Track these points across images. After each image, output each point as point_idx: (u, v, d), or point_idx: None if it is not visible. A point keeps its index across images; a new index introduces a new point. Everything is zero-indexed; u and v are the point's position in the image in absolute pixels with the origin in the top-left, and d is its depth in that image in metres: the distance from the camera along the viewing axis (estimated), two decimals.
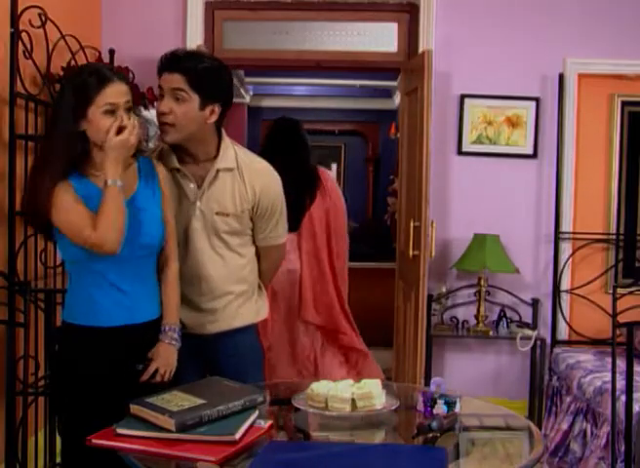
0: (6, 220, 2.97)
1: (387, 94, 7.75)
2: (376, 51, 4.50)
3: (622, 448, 2.97)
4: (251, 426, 1.83)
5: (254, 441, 1.79)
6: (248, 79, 7.14)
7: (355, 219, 7.91)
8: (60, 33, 3.34)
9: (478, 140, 4.34)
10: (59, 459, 3.34)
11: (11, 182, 2.92)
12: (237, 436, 1.74)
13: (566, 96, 4.26)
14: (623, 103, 4.31)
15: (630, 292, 3.20)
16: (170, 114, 2.24)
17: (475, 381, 4.32)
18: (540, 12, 4.29)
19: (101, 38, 4.22)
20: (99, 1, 4.26)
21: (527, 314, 4.32)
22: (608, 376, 3.20)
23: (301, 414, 2.03)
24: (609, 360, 3.40)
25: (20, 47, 3.00)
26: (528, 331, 4.17)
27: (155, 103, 3.77)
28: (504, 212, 4.33)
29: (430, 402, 2.02)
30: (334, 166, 8.28)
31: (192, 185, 2.34)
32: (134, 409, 1.85)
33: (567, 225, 4.30)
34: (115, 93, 2.04)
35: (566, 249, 4.31)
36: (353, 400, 1.98)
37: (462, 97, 4.30)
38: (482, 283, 4.19)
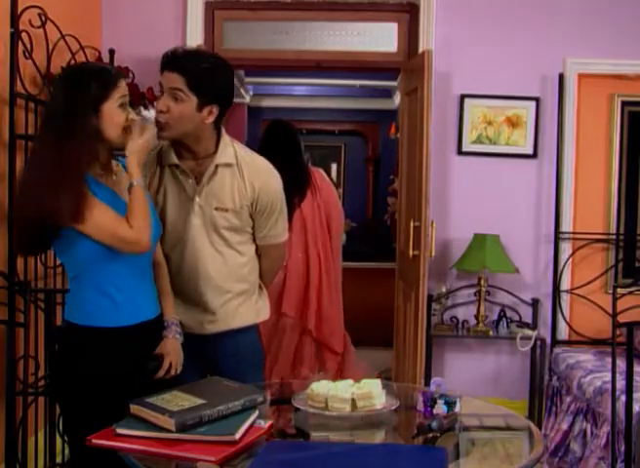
0: (6, 220, 2.97)
1: (387, 94, 7.76)
2: (376, 51, 4.50)
3: (622, 448, 2.97)
4: (251, 426, 1.83)
5: (254, 441, 1.79)
6: (248, 79, 7.14)
7: (355, 219, 7.92)
8: (60, 33, 3.34)
9: (478, 140, 4.34)
10: (59, 459, 3.34)
11: (11, 182, 2.92)
12: (237, 436, 1.74)
13: (566, 96, 4.27)
14: (623, 103, 4.31)
15: (630, 292, 3.20)
16: (167, 113, 2.24)
17: (475, 381, 4.32)
18: (540, 12, 4.29)
19: (101, 38, 4.22)
20: (99, 1, 4.26)
21: (527, 314, 4.32)
22: (608, 376, 3.20)
23: (301, 414, 2.03)
24: (609, 360, 3.40)
25: (20, 47, 3.00)
26: (528, 332, 4.17)
27: (155, 103, 3.80)
28: (504, 212, 4.33)
29: (430, 402, 2.02)
30: (334, 166, 8.29)
31: (191, 181, 2.34)
32: (134, 409, 1.85)
33: (567, 225, 4.30)
34: (125, 87, 2.08)
35: (566, 249, 4.31)
36: (353, 400, 1.98)
37: (462, 97, 4.31)
38: (482, 283, 4.19)
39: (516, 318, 4.32)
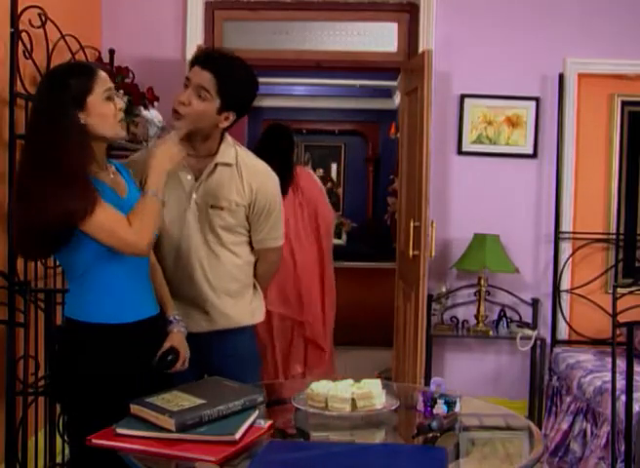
0: (6, 220, 2.97)
1: (387, 94, 7.76)
2: (376, 51, 4.50)
3: (622, 448, 2.97)
4: (251, 426, 1.83)
5: (254, 441, 1.79)
6: None
7: (355, 219, 7.93)
8: (60, 33, 3.34)
9: (478, 140, 4.34)
10: (59, 459, 3.34)
11: (11, 182, 2.92)
12: (237, 436, 1.74)
13: (566, 95, 4.27)
14: (623, 103, 4.31)
15: (630, 292, 3.20)
16: (188, 106, 2.26)
17: (475, 381, 4.32)
18: (540, 12, 4.29)
19: (101, 38, 4.22)
20: (99, 1, 4.26)
21: (527, 314, 4.32)
22: (608, 376, 3.20)
23: (301, 414, 2.03)
24: (609, 360, 3.40)
25: (20, 47, 3.00)
26: (528, 331, 4.17)
27: (156, 104, 3.80)
28: (504, 212, 4.33)
29: (430, 402, 2.02)
30: (334, 166, 8.29)
31: (189, 177, 2.35)
32: (134, 408, 1.85)
33: (567, 225, 4.30)
34: (107, 77, 2.06)
35: (566, 249, 4.31)
36: (353, 400, 1.98)
37: (462, 96, 4.31)
38: (482, 283, 4.19)
39: (516, 318, 4.32)
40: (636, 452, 2.91)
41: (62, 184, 1.91)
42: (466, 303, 4.37)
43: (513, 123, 4.32)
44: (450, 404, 2.00)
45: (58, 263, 3.28)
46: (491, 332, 4.19)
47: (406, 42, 4.45)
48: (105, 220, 1.96)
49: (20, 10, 2.95)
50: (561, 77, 4.26)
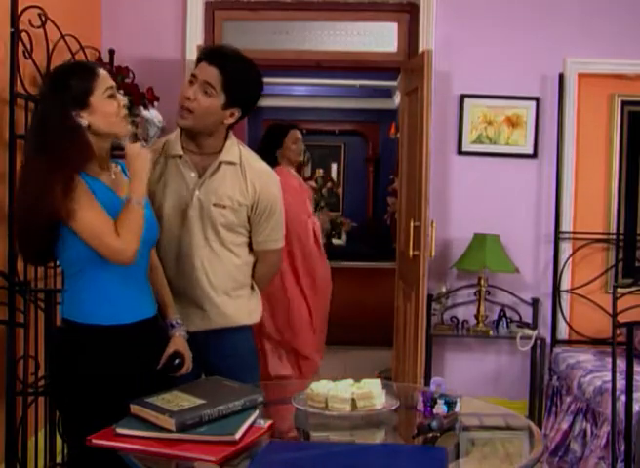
0: (6, 220, 2.97)
1: (387, 93, 7.76)
2: (376, 51, 4.50)
3: (622, 448, 2.97)
4: (251, 426, 1.83)
5: (254, 441, 1.79)
6: None
7: (355, 219, 7.93)
8: (60, 33, 3.34)
9: (478, 140, 4.34)
10: (59, 459, 3.34)
11: (11, 182, 2.92)
12: (237, 436, 1.74)
13: (566, 95, 4.27)
14: (623, 103, 4.31)
15: (630, 292, 3.20)
16: (193, 102, 2.28)
17: (475, 381, 4.32)
18: (540, 12, 4.29)
19: (101, 38, 4.22)
20: (99, 1, 4.26)
21: (527, 314, 4.32)
22: (608, 376, 3.20)
23: (301, 414, 2.03)
24: (609, 360, 3.40)
25: (20, 47, 3.00)
26: (528, 331, 4.17)
27: (156, 104, 3.80)
28: (504, 212, 4.33)
29: (430, 402, 2.02)
30: (334, 166, 8.29)
31: (193, 174, 2.36)
32: (134, 408, 1.85)
33: (567, 225, 4.30)
34: (107, 76, 2.07)
35: (566, 249, 4.31)
36: (353, 400, 1.98)
37: (462, 96, 4.30)
38: (482, 283, 4.19)
39: (516, 318, 4.32)
40: (636, 452, 2.91)
41: (47, 181, 1.92)
42: (466, 303, 4.37)
43: (513, 123, 4.32)
44: (450, 404, 2.00)
45: (58, 263, 3.28)
46: (491, 332, 4.19)
47: (406, 42, 4.45)
48: (95, 222, 1.96)
49: (20, 10, 2.95)
50: (561, 77, 4.26)
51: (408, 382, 3.93)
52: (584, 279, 4.29)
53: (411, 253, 3.97)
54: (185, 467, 1.71)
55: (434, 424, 1.87)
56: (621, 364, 3.06)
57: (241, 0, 4.42)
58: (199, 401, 1.86)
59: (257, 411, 1.90)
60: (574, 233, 4.31)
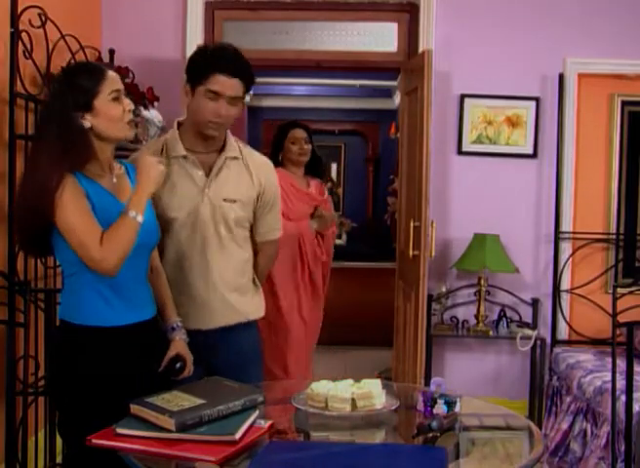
0: (6, 220, 2.97)
1: (387, 93, 7.75)
2: (376, 51, 4.50)
3: (622, 448, 2.97)
4: (251, 426, 1.83)
5: (254, 441, 1.79)
6: None
7: (355, 219, 7.91)
8: (60, 33, 3.33)
9: (478, 140, 4.34)
10: (59, 459, 3.33)
11: (11, 182, 2.92)
12: (237, 436, 1.74)
13: (566, 95, 4.27)
14: (623, 103, 4.31)
15: (630, 292, 3.20)
16: (226, 116, 2.32)
17: (475, 381, 4.32)
18: (541, 12, 4.29)
19: (101, 38, 4.22)
20: (99, 1, 4.26)
21: (527, 314, 4.32)
22: (608, 376, 3.20)
23: (301, 414, 2.03)
24: (609, 360, 3.40)
25: (20, 47, 3.00)
26: (528, 331, 4.17)
27: (156, 104, 3.80)
28: (504, 212, 4.33)
29: (430, 402, 2.02)
30: (334, 166, 8.29)
31: (200, 173, 2.38)
32: (134, 408, 1.85)
33: (567, 225, 4.30)
34: (116, 78, 2.06)
35: (566, 249, 4.31)
36: (353, 400, 1.98)
37: (462, 96, 4.31)
38: (482, 283, 4.19)
39: (516, 318, 4.32)
40: (636, 452, 2.91)
41: (47, 180, 1.93)
42: (466, 303, 4.37)
43: (513, 123, 4.32)
44: (450, 404, 2.00)
45: (58, 263, 3.28)
46: (491, 332, 4.19)
47: (406, 42, 4.45)
48: (79, 227, 1.94)
49: (20, 10, 2.95)
50: (561, 77, 4.26)
51: (408, 382, 3.94)
52: (584, 279, 4.29)
53: (411, 253, 3.97)
54: (186, 467, 1.71)
55: (434, 424, 1.87)
56: (621, 364, 3.06)
57: (241, 0, 4.42)
58: (199, 401, 1.86)
59: (257, 411, 1.89)
60: (574, 233, 4.31)
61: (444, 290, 4.32)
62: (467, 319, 4.31)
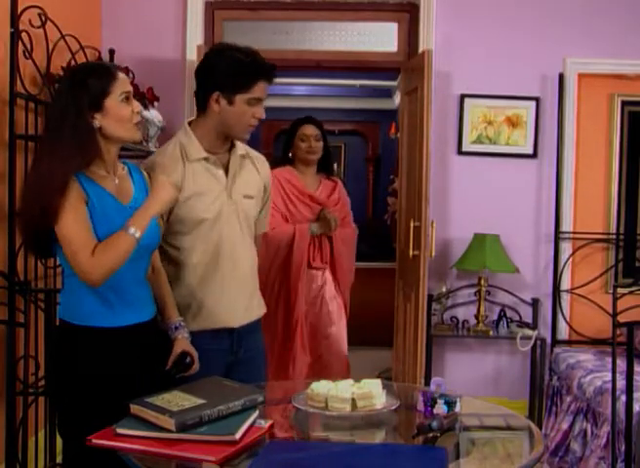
0: (6, 220, 2.97)
1: (387, 94, 7.75)
2: (376, 51, 4.50)
3: (623, 448, 2.97)
4: (251, 426, 1.83)
5: (254, 441, 1.79)
6: None
7: (355, 219, 7.90)
8: (60, 33, 3.34)
9: (478, 140, 4.34)
10: (59, 459, 3.33)
11: (11, 182, 2.92)
12: (237, 436, 1.74)
13: (566, 95, 4.26)
14: (623, 103, 4.31)
15: (630, 292, 3.20)
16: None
17: (475, 381, 4.32)
18: (541, 12, 4.29)
19: (101, 38, 4.22)
20: (99, 1, 4.26)
21: (527, 314, 4.32)
22: (608, 376, 3.20)
23: (301, 414, 2.03)
24: (609, 360, 3.40)
25: (20, 47, 3.00)
26: (528, 331, 4.17)
27: (156, 104, 3.80)
28: (504, 212, 4.33)
29: (430, 402, 2.02)
30: (334, 166, 8.28)
31: (221, 172, 2.40)
32: (134, 409, 1.85)
33: (567, 225, 4.30)
34: (126, 80, 2.06)
35: (566, 249, 4.31)
36: (353, 400, 1.98)
37: (462, 96, 4.30)
38: (482, 283, 4.19)
39: (516, 318, 4.32)
40: (636, 452, 2.91)
41: (50, 180, 1.93)
42: (466, 303, 4.37)
43: (513, 123, 4.32)
44: (450, 404, 2.00)
45: (58, 263, 3.28)
46: (491, 332, 4.19)
47: (406, 42, 4.45)
48: (72, 232, 1.94)
49: (20, 10, 2.96)
50: (561, 77, 4.26)
51: (408, 382, 3.94)
52: (584, 279, 4.29)
53: (411, 253, 3.97)
54: (186, 467, 1.71)
55: (434, 424, 1.86)
56: (622, 364, 3.06)
57: (241, 0, 4.42)
58: (199, 401, 1.86)
59: (257, 411, 1.89)
60: (574, 233, 4.31)
61: (444, 290, 4.32)
62: (467, 319, 4.31)
